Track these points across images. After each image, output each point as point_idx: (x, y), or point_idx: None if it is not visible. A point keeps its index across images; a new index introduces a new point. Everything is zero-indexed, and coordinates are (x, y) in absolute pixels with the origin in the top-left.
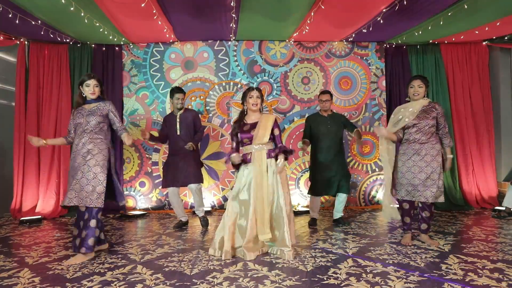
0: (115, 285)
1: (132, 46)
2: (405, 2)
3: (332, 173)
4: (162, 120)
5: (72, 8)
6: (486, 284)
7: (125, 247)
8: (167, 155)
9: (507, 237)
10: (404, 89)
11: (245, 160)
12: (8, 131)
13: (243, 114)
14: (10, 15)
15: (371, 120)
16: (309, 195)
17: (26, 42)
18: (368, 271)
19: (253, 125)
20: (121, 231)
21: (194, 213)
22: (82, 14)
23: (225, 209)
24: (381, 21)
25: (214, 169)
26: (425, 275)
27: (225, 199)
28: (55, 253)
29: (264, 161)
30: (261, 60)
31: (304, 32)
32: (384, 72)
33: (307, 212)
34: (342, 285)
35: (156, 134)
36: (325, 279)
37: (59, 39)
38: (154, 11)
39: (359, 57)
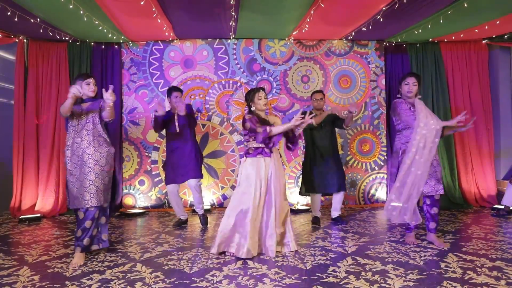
0: (115, 283)
1: (131, 44)
2: (404, 1)
3: (327, 171)
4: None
5: (71, 6)
6: (485, 282)
7: (124, 246)
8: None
9: (506, 236)
10: None
11: (260, 152)
12: (7, 129)
13: (252, 113)
14: (9, 13)
15: (370, 119)
16: (308, 194)
17: (25, 40)
18: (368, 270)
19: (271, 125)
20: (121, 230)
21: (193, 211)
22: (81, 12)
23: (225, 208)
24: (381, 20)
25: (214, 168)
26: (424, 273)
27: (225, 197)
28: (54, 251)
29: (279, 159)
30: (260, 59)
31: (303, 31)
32: (383, 71)
33: (306, 211)
34: (341, 283)
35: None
36: (324, 277)
37: (58, 37)
38: (154, 9)
39: (358, 55)
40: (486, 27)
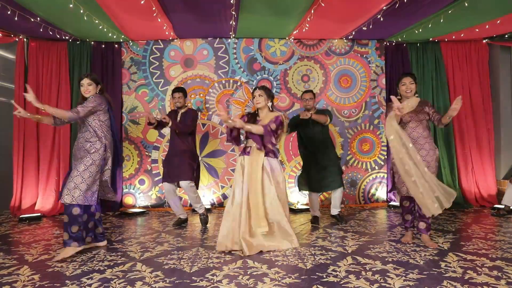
0: (115, 282)
1: (131, 44)
2: (405, 0)
3: (321, 170)
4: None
5: (71, 5)
6: (485, 282)
7: (124, 245)
8: (166, 153)
9: (506, 235)
10: None
11: (245, 152)
12: (7, 129)
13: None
14: (9, 12)
15: (370, 118)
16: (306, 193)
17: (25, 40)
18: (368, 269)
19: (256, 121)
20: (121, 229)
21: (193, 210)
22: (82, 11)
23: (225, 207)
24: (381, 19)
25: (214, 167)
26: (425, 272)
27: (225, 197)
28: (54, 251)
29: (261, 157)
30: (261, 58)
31: (304, 30)
32: (384, 70)
33: (306, 210)
34: (341, 282)
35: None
36: (324, 276)
37: (58, 36)
38: (154, 8)
39: (359, 55)
40: (487, 26)
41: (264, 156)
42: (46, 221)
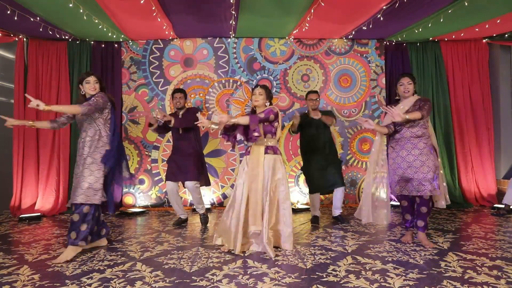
0: (115, 282)
1: (131, 43)
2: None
3: (325, 170)
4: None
5: (71, 5)
6: (485, 281)
7: (124, 245)
8: (166, 152)
9: (506, 235)
10: None
11: (247, 152)
12: (7, 128)
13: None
14: (8, 12)
15: (370, 118)
16: (307, 193)
17: (25, 39)
18: (368, 269)
19: None
20: (121, 229)
21: (194, 210)
22: (81, 10)
23: (225, 206)
24: (381, 18)
25: (214, 167)
26: (424, 272)
27: (225, 196)
28: (54, 250)
29: (261, 155)
30: (260, 58)
31: (304, 30)
32: (384, 70)
33: (306, 210)
34: (341, 282)
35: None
36: (324, 276)
37: (58, 36)
38: (153, 8)
39: (359, 54)
40: (487, 26)
41: (264, 153)
42: (46, 221)
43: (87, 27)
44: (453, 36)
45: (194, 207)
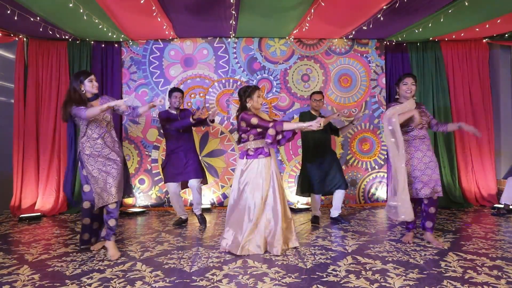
0: (115, 282)
1: (131, 43)
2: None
3: (326, 172)
4: (159, 118)
5: (71, 5)
6: (485, 281)
7: (124, 244)
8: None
9: (506, 235)
10: None
11: (260, 153)
12: (7, 128)
13: (249, 110)
14: (8, 12)
15: (371, 118)
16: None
17: (25, 39)
18: (368, 269)
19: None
20: (121, 228)
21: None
22: (81, 10)
23: (225, 206)
24: (381, 18)
25: (214, 167)
26: (425, 272)
27: (225, 196)
28: (54, 250)
29: (273, 156)
30: (261, 57)
31: (304, 29)
32: (384, 70)
33: (306, 210)
34: (341, 282)
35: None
36: (324, 276)
37: (58, 35)
38: (154, 8)
39: (359, 54)
40: (487, 26)
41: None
42: (46, 221)
43: (87, 27)
44: (453, 36)
45: (193, 207)
